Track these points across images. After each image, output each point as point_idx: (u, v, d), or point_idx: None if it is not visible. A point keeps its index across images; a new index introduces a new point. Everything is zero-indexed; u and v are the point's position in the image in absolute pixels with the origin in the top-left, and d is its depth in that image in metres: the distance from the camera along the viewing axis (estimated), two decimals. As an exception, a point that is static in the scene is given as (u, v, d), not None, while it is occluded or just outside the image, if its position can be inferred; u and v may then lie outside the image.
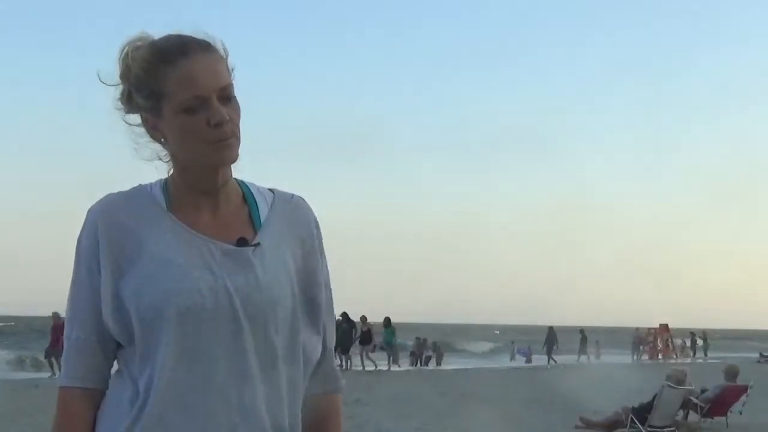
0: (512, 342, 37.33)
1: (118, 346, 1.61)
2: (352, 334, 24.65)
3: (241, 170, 1.68)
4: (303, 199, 1.75)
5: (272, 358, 1.59)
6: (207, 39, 1.59)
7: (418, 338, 33.87)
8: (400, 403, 14.22)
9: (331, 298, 1.74)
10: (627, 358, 36.96)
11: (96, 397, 1.62)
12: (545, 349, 34.41)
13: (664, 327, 38.27)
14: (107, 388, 1.63)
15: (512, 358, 36.23)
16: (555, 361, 33.30)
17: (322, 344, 1.71)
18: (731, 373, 12.49)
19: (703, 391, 11.96)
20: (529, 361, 35.02)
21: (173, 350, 1.53)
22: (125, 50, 1.60)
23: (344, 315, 23.92)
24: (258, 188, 1.72)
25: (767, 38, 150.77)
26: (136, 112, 1.62)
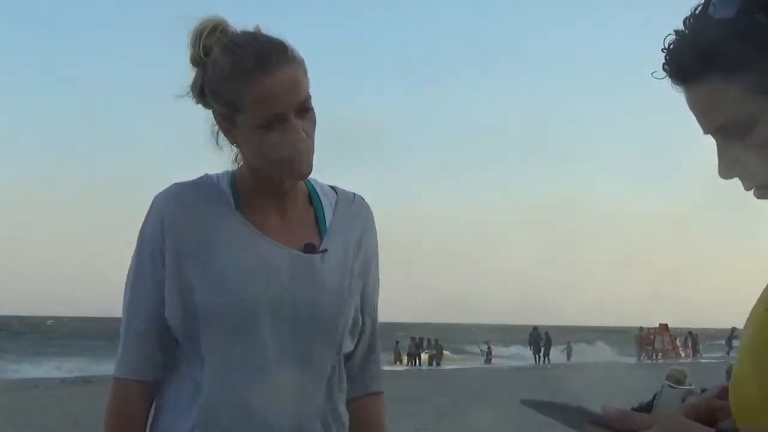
0: (486, 342, 37.29)
1: (176, 340, 1.59)
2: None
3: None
4: (363, 200, 1.74)
5: (329, 366, 1.59)
6: (285, 45, 1.52)
7: (413, 338, 33.86)
8: (400, 402, 14.22)
9: (377, 301, 1.73)
10: (626, 357, 36.96)
11: (151, 389, 1.60)
12: (531, 348, 34.54)
13: (664, 327, 38.27)
14: (160, 380, 1.60)
15: (487, 357, 36.10)
16: (549, 360, 33.38)
17: (369, 346, 1.70)
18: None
19: (703, 390, 11.91)
20: (488, 361, 34.90)
21: (236, 355, 1.52)
22: (199, 37, 1.54)
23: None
24: (321, 187, 1.70)
25: None
26: (208, 108, 1.58)
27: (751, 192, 1.05)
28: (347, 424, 1.64)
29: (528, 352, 36.20)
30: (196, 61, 1.55)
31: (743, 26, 0.97)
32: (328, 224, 1.64)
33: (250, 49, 1.50)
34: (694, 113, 1.05)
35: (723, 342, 36.83)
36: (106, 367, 29.10)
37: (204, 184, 1.62)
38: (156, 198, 1.60)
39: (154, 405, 1.61)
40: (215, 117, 1.57)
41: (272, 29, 1.58)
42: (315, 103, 1.54)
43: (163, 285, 1.56)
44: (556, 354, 36.01)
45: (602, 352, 39.59)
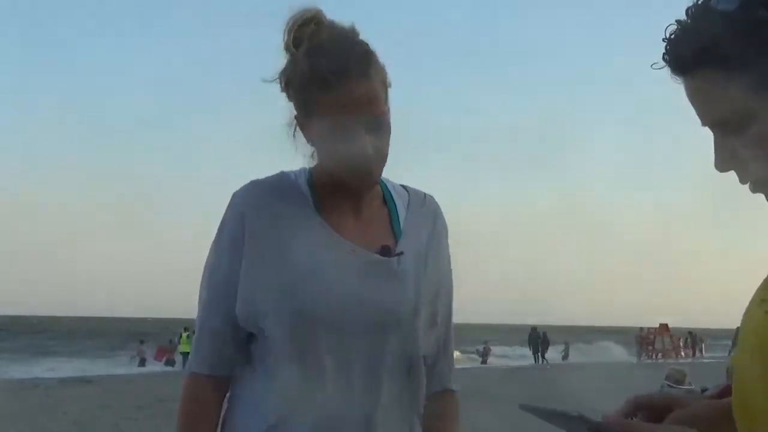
0: (485, 342, 37.33)
1: (250, 337, 1.58)
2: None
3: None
4: (434, 199, 1.74)
5: (405, 369, 1.59)
6: (367, 57, 1.53)
7: None
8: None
9: (452, 300, 1.72)
10: (627, 357, 36.95)
11: (225, 386, 1.61)
12: (530, 348, 34.60)
13: (664, 327, 38.29)
14: (235, 376, 1.60)
15: (485, 357, 36.16)
16: (547, 361, 33.41)
17: (442, 346, 1.70)
18: (732, 372, 12.47)
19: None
20: (484, 362, 34.95)
21: (315, 356, 1.51)
22: (293, 26, 1.55)
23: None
24: (394, 186, 1.71)
25: None
26: (290, 101, 1.58)
27: (747, 187, 1.05)
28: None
29: (527, 352, 36.24)
30: (287, 48, 1.56)
31: (744, 21, 0.96)
32: (402, 225, 1.65)
33: (331, 58, 1.50)
34: (692, 105, 1.04)
35: (729, 342, 36.73)
36: (107, 368, 29.21)
37: (283, 183, 1.62)
38: (236, 195, 1.61)
39: (226, 400, 1.61)
40: (295, 111, 1.58)
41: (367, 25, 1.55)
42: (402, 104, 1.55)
43: (237, 285, 1.55)
44: (554, 354, 36.05)
45: (602, 352, 39.60)
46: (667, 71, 1.05)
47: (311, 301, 1.51)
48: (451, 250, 1.73)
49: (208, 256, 1.61)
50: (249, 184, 1.62)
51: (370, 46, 1.56)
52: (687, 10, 1.02)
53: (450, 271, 1.72)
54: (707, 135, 1.08)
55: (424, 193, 1.74)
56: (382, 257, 1.58)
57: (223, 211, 1.61)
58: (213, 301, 1.59)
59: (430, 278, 1.63)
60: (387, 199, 1.68)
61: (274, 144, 1.63)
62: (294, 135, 1.61)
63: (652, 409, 1.16)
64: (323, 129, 1.52)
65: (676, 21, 1.03)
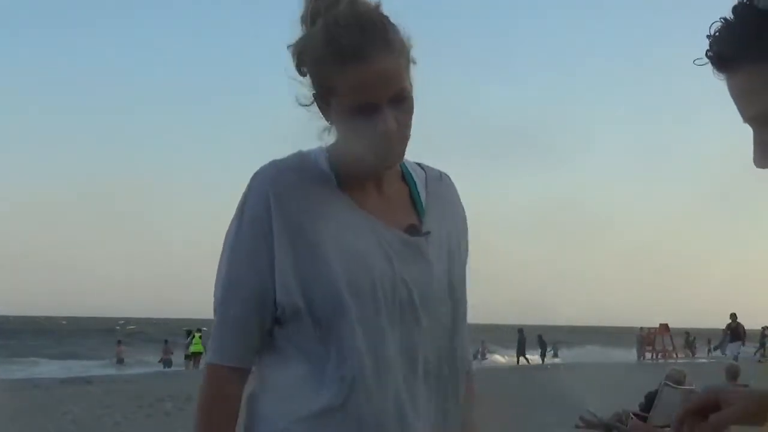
0: (482, 341, 37.40)
1: (277, 323, 1.52)
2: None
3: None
4: (449, 177, 1.71)
5: (438, 351, 1.55)
6: (388, 31, 1.47)
7: None
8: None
9: (467, 280, 1.68)
10: (627, 357, 36.94)
11: (246, 377, 1.54)
12: (517, 350, 34.79)
13: (664, 327, 38.24)
14: (261, 370, 1.55)
15: (482, 357, 36.25)
16: (528, 361, 33.60)
17: (459, 326, 1.64)
18: (732, 372, 12.49)
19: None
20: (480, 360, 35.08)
21: (357, 339, 1.46)
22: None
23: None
24: (410, 164, 1.66)
25: None
26: (304, 76, 1.53)
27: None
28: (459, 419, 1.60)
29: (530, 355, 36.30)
30: (303, 20, 1.50)
31: None
32: (423, 203, 1.61)
33: (349, 33, 1.43)
34: (734, 100, 1.05)
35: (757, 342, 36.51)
36: (106, 368, 29.19)
37: (303, 162, 1.56)
38: (256, 175, 1.53)
39: (248, 390, 1.56)
40: (312, 89, 1.52)
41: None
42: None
43: (266, 268, 1.49)
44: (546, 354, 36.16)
45: (602, 352, 39.59)
46: (696, 68, 1.06)
47: (346, 284, 1.47)
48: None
49: (226, 241, 1.54)
50: (269, 164, 1.55)
51: (392, 19, 1.50)
52: (733, 9, 1.04)
53: (467, 251, 1.69)
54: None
55: (440, 171, 1.70)
56: (411, 237, 1.55)
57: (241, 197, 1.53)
58: (237, 290, 1.51)
59: (455, 258, 1.61)
60: (406, 176, 1.63)
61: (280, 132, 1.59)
62: (314, 111, 1.54)
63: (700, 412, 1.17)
64: (344, 109, 1.46)
65: (720, 18, 1.04)
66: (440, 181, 1.68)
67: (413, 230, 1.56)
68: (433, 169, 1.69)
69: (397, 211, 1.58)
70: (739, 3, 1.03)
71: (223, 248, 1.54)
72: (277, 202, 1.49)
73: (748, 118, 1.05)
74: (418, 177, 1.65)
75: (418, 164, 1.68)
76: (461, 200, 1.70)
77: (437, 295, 1.55)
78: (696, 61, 1.06)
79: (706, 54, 1.05)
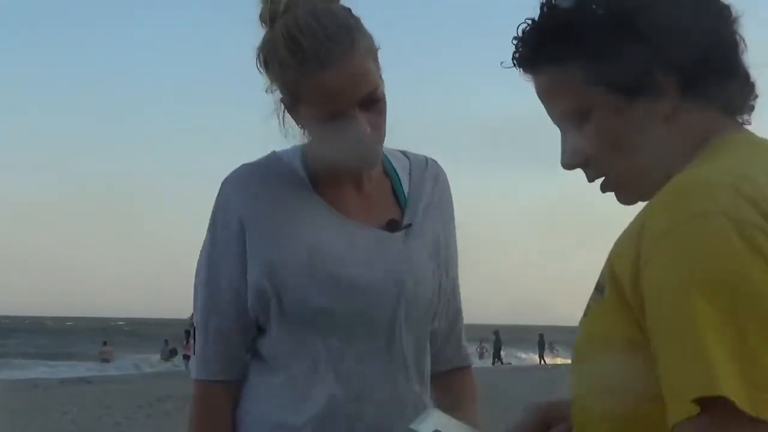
0: (480, 341, 37.46)
1: (259, 331, 1.50)
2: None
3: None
4: (436, 163, 1.65)
5: (422, 348, 1.53)
6: (353, 31, 1.38)
7: None
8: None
9: (458, 270, 1.64)
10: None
11: (235, 390, 1.51)
12: (493, 351, 34.91)
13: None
14: (243, 379, 1.52)
15: (480, 357, 36.33)
16: (501, 363, 33.78)
17: (452, 319, 1.63)
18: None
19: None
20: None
21: (326, 346, 1.44)
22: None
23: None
24: (393, 154, 1.60)
25: None
26: (271, 82, 1.45)
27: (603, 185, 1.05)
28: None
29: (524, 354, 36.36)
30: (262, 20, 1.43)
31: (580, 17, 0.98)
32: (406, 194, 1.56)
33: (311, 37, 1.35)
34: (541, 102, 1.06)
35: None
36: (106, 368, 29.18)
37: (276, 164, 1.52)
38: (226, 181, 1.50)
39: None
40: (281, 96, 1.46)
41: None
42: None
43: (241, 276, 1.46)
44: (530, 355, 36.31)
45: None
46: None
47: (317, 287, 1.43)
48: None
49: (202, 250, 1.51)
50: (240, 168, 1.52)
51: (352, 12, 1.42)
52: (539, 9, 1.04)
53: (456, 239, 1.64)
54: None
55: (426, 157, 1.64)
56: (389, 232, 1.51)
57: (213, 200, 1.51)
58: (215, 301, 1.49)
59: (441, 249, 1.56)
60: (387, 169, 1.58)
61: (264, 127, 1.52)
62: (282, 118, 1.49)
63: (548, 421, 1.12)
64: (313, 116, 1.41)
65: (525, 19, 1.04)
66: (425, 167, 1.62)
67: (394, 225, 1.52)
68: (417, 155, 1.64)
69: (378, 206, 1.53)
70: (542, 3, 1.03)
71: (199, 261, 1.52)
72: (246, 207, 1.47)
73: (553, 119, 1.05)
74: (401, 166, 1.60)
75: (402, 152, 1.63)
76: (448, 186, 1.64)
77: (419, 289, 1.50)
78: (502, 64, 1.05)
79: (513, 56, 1.04)
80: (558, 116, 1.05)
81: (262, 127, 1.51)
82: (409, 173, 1.59)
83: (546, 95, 1.04)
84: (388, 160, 1.59)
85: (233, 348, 1.50)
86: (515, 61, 1.05)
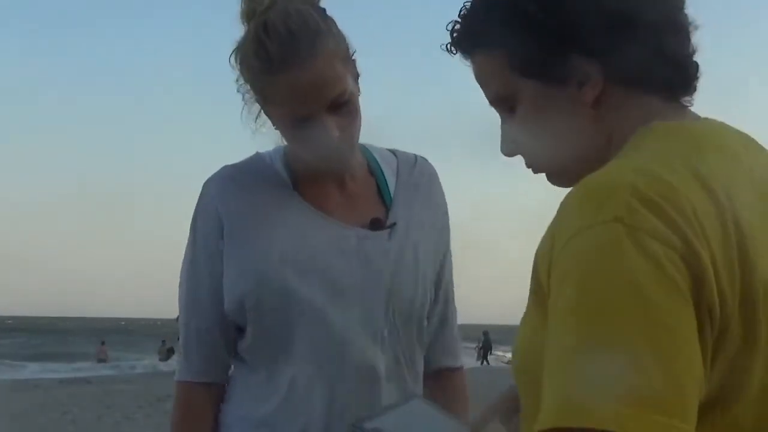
0: (479, 341, 37.55)
1: (239, 333, 1.49)
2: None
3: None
4: (426, 161, 1.63)
5: (411, 347, 1.52)
6: (320, 33, 1.36)
7: None
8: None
9: (452, 269, 1.63)
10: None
11: (218, 392, 1.51)
12: (481, 351, 35.00)
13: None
14: (227, 380, 1.52)
15: (478, 357, 36.39)
16: (488, 363, 33.87)
17: (442, 319, 1.61)
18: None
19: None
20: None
21: (314, 343, 1.43)
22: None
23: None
24: (380, 152, 1.59)
25: None
26: (247, 82, 1.44)
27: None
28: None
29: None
30: (242, 19, 1.42)
31: (504, 5, 0.98)
32: (392, 193, 1.54)
33: (276, 40, 1.34)
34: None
35: None
36: (106, 368, 29.19)
37: (257, 165, 1.52)
38: (207, 183, 1.51)
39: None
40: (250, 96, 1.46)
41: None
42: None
43: (221, 277, 1.46)
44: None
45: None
46: None
47: (297, 287, 1.42)
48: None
49: (185, 253, 1.51)
50: (221, 169, 1.52)
51: (326, 15, 1.41)
52: None
53: (449, 237, 1.62)
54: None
55: (415, 156, 1.62)
56: (371, 231, 1.49)
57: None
58: (196, 302, 1.49)
59: (429, 248, 1.54)
60: (373, 168, 1.57)
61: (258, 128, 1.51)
62: (256, 119, 1.48)
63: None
64: (281, 118, 1.41)
65: (463, 5, 1.04)
66: (414, 166, 1.60)
67: (377, 224, 1.50)
68: (406, 153, 1.62)
69: (360, 205, 1.52)
70: None
71: (183, 263, 1.52)
72: (227, 208, 1.47)
73: (489, 104, 1.05)
74: (389, 165, 1.58)
75: (391, 150, 1.61)
76: (440, 184, 1.62)
77: (404, 289, 1.49)
78: (441, 46, 1.06)
79: (451, 41, 1.05)
80: (491, 100, 1.05)
81: (260, 127, 1.50)
82: (397, 172, 1.58)
83: (478, 81, 1.05)
84: (374, 159, 1.58)
85: (215, 349, 1.50)
86: (454, 46, 1.05)
